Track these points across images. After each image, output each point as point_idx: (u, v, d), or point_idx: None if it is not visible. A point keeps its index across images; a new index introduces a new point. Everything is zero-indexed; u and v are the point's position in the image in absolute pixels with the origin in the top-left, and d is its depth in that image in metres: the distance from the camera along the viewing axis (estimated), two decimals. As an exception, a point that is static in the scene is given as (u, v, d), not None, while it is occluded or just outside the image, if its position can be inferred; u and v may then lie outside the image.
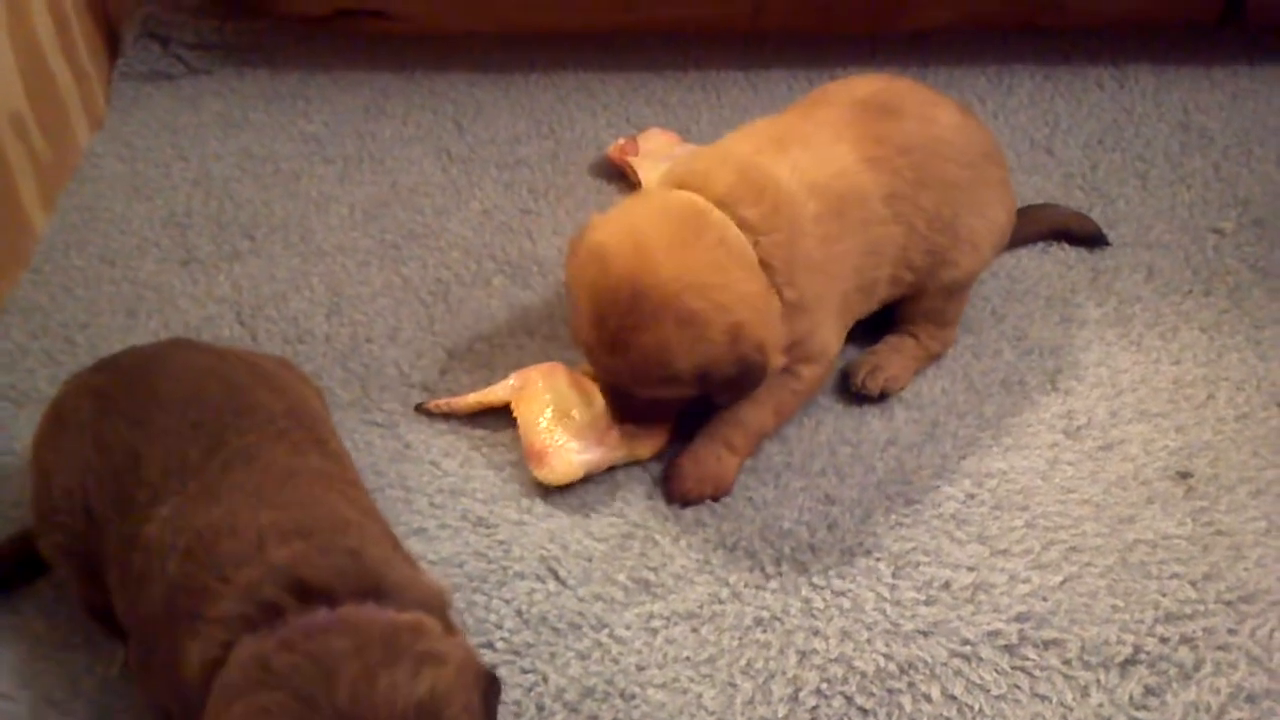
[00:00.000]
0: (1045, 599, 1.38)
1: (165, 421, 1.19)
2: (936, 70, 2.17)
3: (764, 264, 1.41)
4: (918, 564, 1.42)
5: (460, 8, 2.21)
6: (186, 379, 1.24)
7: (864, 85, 1.58)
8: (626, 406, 1.46)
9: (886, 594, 1.39)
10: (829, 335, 1.51)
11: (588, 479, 1.47)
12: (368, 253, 1.80)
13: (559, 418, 1.48)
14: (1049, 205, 1.84)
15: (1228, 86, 2.14)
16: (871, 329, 1.63)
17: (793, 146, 1.48)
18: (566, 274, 1.45)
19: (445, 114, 2.07)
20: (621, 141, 1.92)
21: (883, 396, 1.60)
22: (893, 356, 1.62)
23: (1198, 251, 1.82)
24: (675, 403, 1.46)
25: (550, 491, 1.47)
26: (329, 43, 2.21)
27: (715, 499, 1.47)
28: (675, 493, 1.47)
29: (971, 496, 1.49)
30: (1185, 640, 1.34)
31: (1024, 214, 1.74)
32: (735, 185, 1.42)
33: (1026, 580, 1.40)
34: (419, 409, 1.56)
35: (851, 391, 1.60)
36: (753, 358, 1.39)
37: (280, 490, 1.14)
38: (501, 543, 1.42)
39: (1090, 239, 1.80)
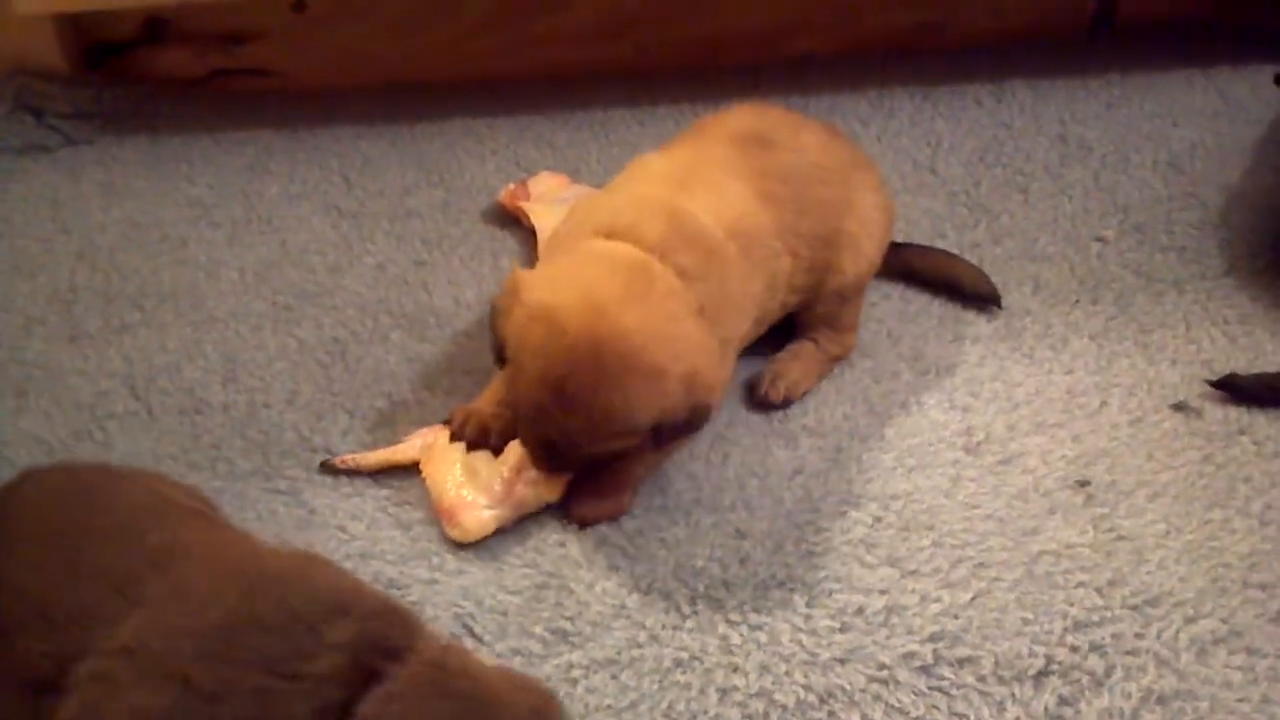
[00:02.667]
0: (957, 617, 1.40)
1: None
2: (819, 98, 2.20)
3: (700, 310, 1.42)
4: (830, 592, 1.43)
5: (341, 62, 2.20)
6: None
7: (736, 119, 1.61)
8: (564, 463, 1.44)
9: (802, 624, 1.39)
10: (727, 370, 1.53)
11: (498, 530, 1.47)
12: (261, 316, 1.78)
13: (468, 474, 1.47)
14: (952, 256, 1.84)
15: (1102, 96, 2.20)
16: (771, 336, 1.66)
17: (696, 188, 1.49)
18: (502, 337, 1.42)
19: (332, 169, 2.05)
20: (512, 187, 1.92)
21: (786, 403, 1.63)
22: (793, 363, 1.65)
23: (1082, 261, 1.87)
24: (614, 454, 1.45)
25: (461, 546, 1.46)
26: (209, 104, 2.18)
27: (614, 519, 1.49)
28: (576, 516, 1.48)
29: (879, 520, 1.51)
30: (1095, 648, 1.37)
31: (925, 254, 1.78)
32: (667, 234, 1.42)
33: (937, 600, 1.42)
34: (324, 466, 1.54)
35: (756, 402, 1.63)
36: (704, 402, 1.40)
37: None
38: (415, 603, 1.40)
39: (983, 298, 1.79)
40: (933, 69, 2.26)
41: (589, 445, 1.39)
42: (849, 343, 1.70)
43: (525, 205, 1.88)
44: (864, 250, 1.62)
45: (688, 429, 1.42)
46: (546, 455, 1.43)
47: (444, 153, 2.08)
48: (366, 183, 2.02)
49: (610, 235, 1.43)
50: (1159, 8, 2.33)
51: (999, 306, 1.78)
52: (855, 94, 2.21)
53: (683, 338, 1.37)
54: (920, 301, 1.80)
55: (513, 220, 1.92)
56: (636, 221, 1.43)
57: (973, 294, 1.79)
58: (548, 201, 1.89)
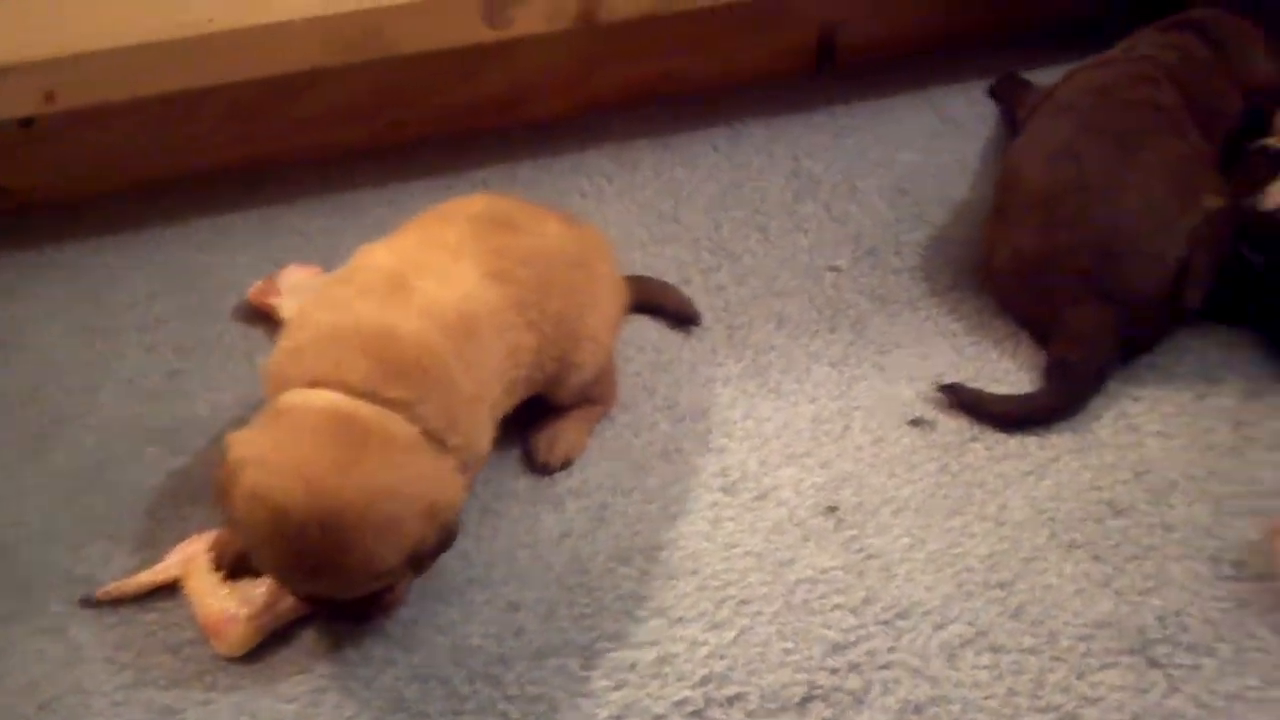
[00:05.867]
0: (723, 657, 1.46)
1: None
2: (564, 157, 2.26)
3: (425, 433, 1.41)
4: (604, 651, 1.48)
5: (78, 173, 2.16)
6: None
7: (474, 204, 1.65)
8: (328, 608, 1.44)
9: (579, 688, 1.44)
10: (484, 442, 1.55)
11: (269, 639, 1.47)
12: (14, 446, 1.74)
13: (229, 585, 1.47)
14: (645, 279, 1.92)
15: (829, 128, 2.31)
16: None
17: (415, 280, 1.50)
18: (229, 512, 1.39)
19: (80, 285, 2.02)
20: (260, 283, 1.92)
21: (566, 465, 1.68)
22: (565, 425, 1.70)
23: (820, 291, 1.96)
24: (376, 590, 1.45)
25: (232, 661, 1.46)
26: (-55, 231, 2.13)
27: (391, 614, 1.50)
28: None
29: (645, 573, 1.56)
30: (853, 667, 1.45)
31: (629, 283, 1.84)
32: (373, 370, 1.40)
33: (704, 643, 1.48)
34: (85, 603, 1.52)
35: (537, 469, 1.68)
36: (451, 522, 1.42)
37: None
38: (192, 726, 1.40)
39: (683, 318, 1.89)
40: (671, 118, 2.34)
41: (344, 595, 1.40)
42: (611, 401, 1.76)
43: (274, 301, 1.89)
44: (602, 341, 1.67)
45: (441, 549, 1.44)
46: (309, 603, 1.45)
47: (192, 254, 2.07)
48: (115, 295, 1.99)
49: (315, 384, 1.39)
50: (876, 38, 2.46)
51: (698, 323, 1.90)
52: (599, 150, 2.28)
53: (409, 479, 1.37)
54: (671, 350, 1.87)
55: (264, 316, 1.92)
56: (339, 363, 1.40)
57: (673, 314, 1.90)
58: (300, 294, 1.89)
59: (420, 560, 1.41)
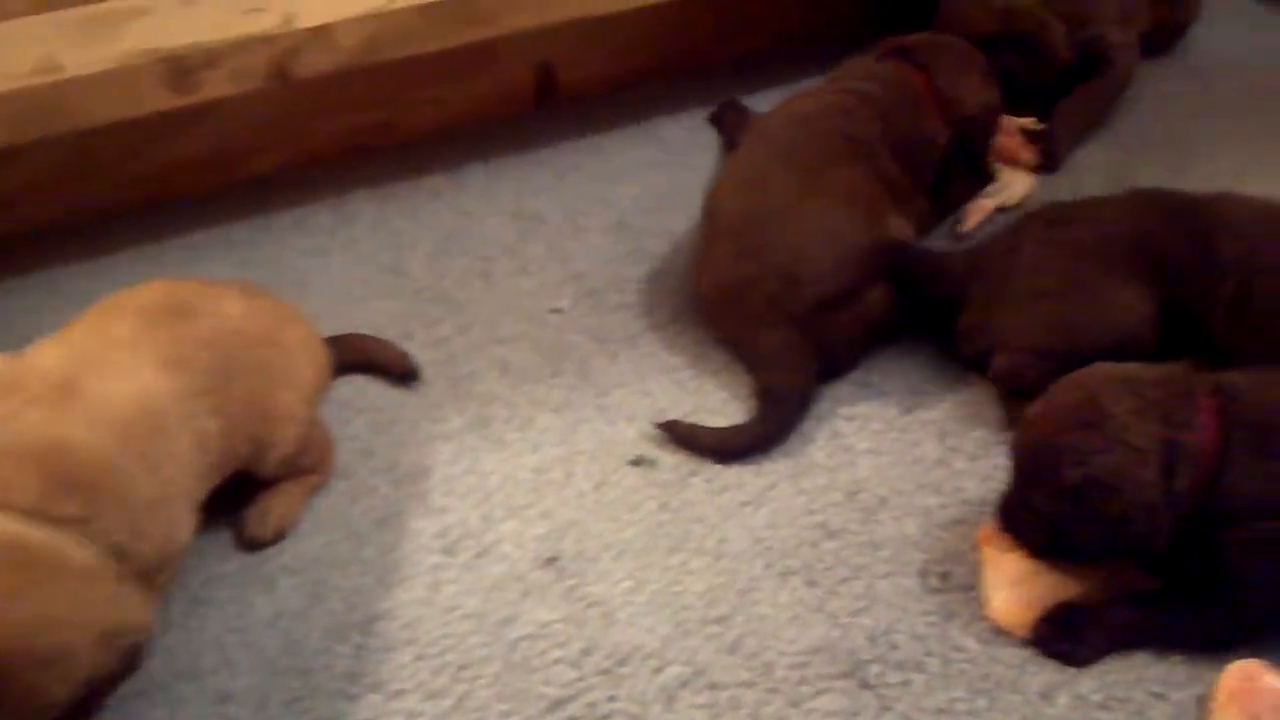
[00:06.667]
0: (441, 728, 1.44)
1: None
2: (281, 215, 2.20)
3: (108, 548, 1.35)
4: (317, 735, 1.43)
5: None
6: None
7: (146, 293, 1.58)
8: None
9: (290, 777, 1.39)
10: (182, 535, 1.49)
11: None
12: None
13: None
14: (359, 337, 1.88)
15: (552, 165, 2.31)
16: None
17: (86, 381, 1.43)
18: None
19: None
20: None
21: (278, 538, 1.63)
22: (277, 497, 1.65)
23: (543, 335, 1.95)
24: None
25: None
26: None
27: None
28: None
29: (362, 648, 1.52)
30: (572, 722, 1.44)
31: (342, 342, 1.81)
32: (42, 489, 1.33)
33: (420, 714, 1.45)
34: None
35: (245, 544, 1.62)
36: (133, 643, 1.36)
37: None
38: None
39: (402, 374, 1.87)
40: (391, 167, 2.30)
41: None
42: (327, 468, 1.71)
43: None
44: (298, 417, 1.63)
45: (126, 673, 1.38)
46: None
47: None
48: None
49: None
50: (596, 71, 2.47)
51: (416, 378, 1.86)
52: (316, 204, 2.23)
53: (81, 607, 1.31)
54: (391, 409, 1.83)
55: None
56: (7, 484, 1.32)
57: (390, 368, 1.86)
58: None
59: (101, 688, 1.34)
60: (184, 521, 1.50)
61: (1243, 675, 1.38)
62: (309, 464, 1.67)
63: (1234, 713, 1.36)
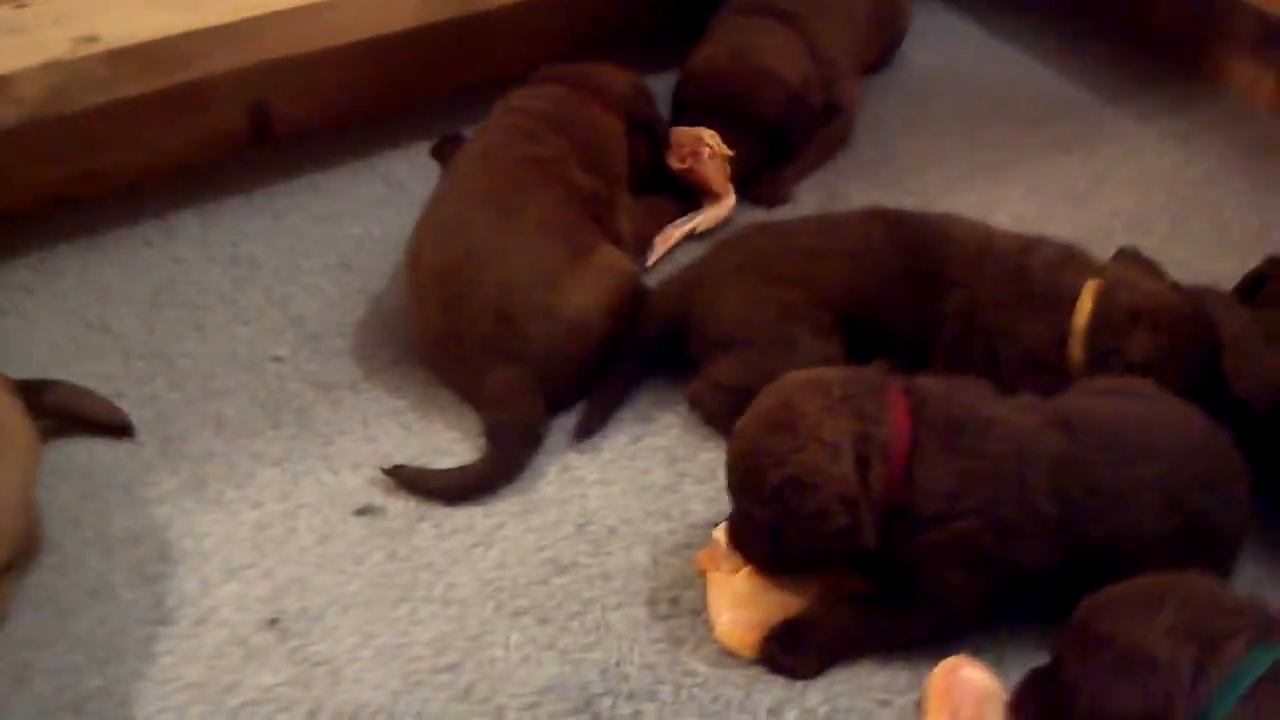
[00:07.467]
0: (155, 810, 1.37)
1: None
2: (-24, 273, 2.07)
3: None
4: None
5: None
6: None
7: None
8: None
9: None
10: None
11: None
12: None
13: None
14: (67, 387, 1.80)
15: (269, 208, 2.24)
16: None
17: None
18: None
19: None
20: None
21: None
22: None
23: (262, 386, 1.89)
24: None
25: None
26: None
27: None
28: None
29: (69, 734, 1.44)
30: (295, 791, 1.39)
31: (50, 389, 1.74)
32: None
33: (132, 802, 1.38)
34: None
35: None
36: None
37: None
38: None
39: (115, 429, 1.79)
40: (97, 218, 2.19)
41: None
42: (32, 547, 1.61)
43: None
44: (9, 504, 1.53)
45: None
46: None
47: None
48: None
49: None
50: (315, 108, 2.41)
51: (133, 435, 1.79)
52: (16, 263, 2.10)
53: None
54: (100, 474, 1.75)
55: None
56: None
57: (106, 427, 1.79)
58: None
59: None
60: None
61: (946, 671, 1.44)
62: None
63: (941, 709, 1.42)
